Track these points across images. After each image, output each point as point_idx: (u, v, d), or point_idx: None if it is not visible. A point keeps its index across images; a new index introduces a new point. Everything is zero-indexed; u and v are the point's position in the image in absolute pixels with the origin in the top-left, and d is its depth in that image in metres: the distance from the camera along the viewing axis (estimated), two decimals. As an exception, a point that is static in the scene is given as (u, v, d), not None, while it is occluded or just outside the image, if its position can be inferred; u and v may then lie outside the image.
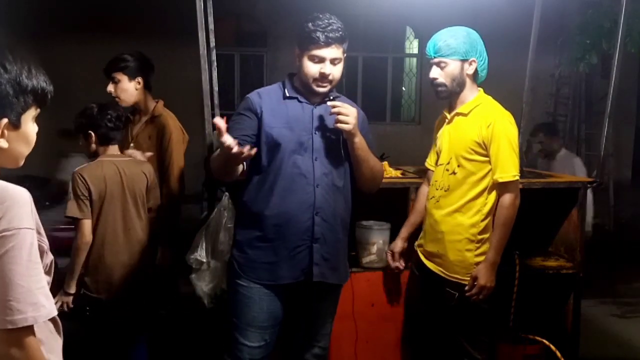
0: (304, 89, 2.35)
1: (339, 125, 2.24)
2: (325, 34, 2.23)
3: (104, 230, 2.71)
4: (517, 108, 3.30)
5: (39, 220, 1.30)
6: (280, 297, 2.34)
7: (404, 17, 8.73)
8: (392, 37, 9.58)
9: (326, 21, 2.25)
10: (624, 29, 3.19)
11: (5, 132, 1.27)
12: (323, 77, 2.28)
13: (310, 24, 2.25)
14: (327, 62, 2.27)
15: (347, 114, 2.23)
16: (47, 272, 1.32)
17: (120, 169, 2.74)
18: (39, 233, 1.28)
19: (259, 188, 2.31)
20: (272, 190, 2.28)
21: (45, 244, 1.31)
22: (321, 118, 2.34)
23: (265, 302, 2.32)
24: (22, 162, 1.36)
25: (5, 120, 1.26)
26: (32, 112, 1.33)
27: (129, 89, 2.99)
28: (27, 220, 1.22)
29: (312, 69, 2.28)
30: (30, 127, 1.33)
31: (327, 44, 2.24)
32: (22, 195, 1.25)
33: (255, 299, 2.32)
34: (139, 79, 3.00)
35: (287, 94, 2.35)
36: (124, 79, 2.98)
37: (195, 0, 2.79)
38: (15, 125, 1.28)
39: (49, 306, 1.23)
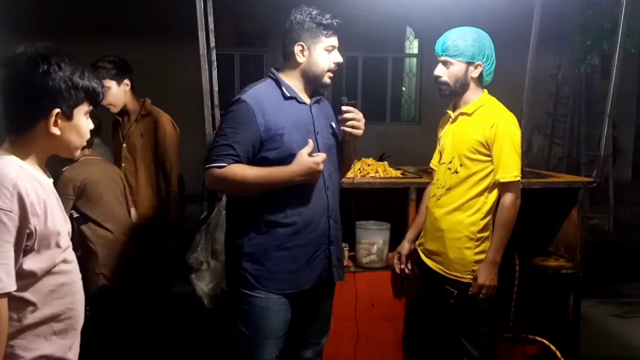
0: (304, 87, 2.28)
1: (352, 130, 2.23)
2: (335, 21, 2.22)
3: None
4: (517, 108, 3.30)
5: (40, 205, 1.41)
6: (295, 304, 2.28)
7: (404, 17, 8.73)
8: (392, 37, 9.58)
9: (319, 10, 2.23)
10: (624, 30, 3.19)
11: (59, 121, 1.46)
12: (335, 67, 2.26)
13: (316, 15, 2.21)
14: (336, 51, 2.25)
15: (360, 119, 2.23)
16: (26, 251, 1.40)
17: (104, 168, 2.89)
18: (33, 215, 1.39)
19: (272, 196, 2.17)
20: (288, 197, 2.18)
21: (38, 229, 1.40)
22: (318, 117, 2.30)
23: (282, 312, 2.25)
24: (75, 153, 1.56)
25: (57, 111, 1.44)
26: (85, 108, 1.51)
27: (119, 93, 2.99)
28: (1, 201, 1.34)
29: (327, 59, 2.23)
30: (82, 120, 1.51)
31: (337, 32, 2.24)
32: (3, 176, 1.36)
33: (274, 310, 2.22)
34: (127, 81, 3.01)
35: (288, 94, 2.23)
36: (112, 85, 2.97)
37: (195, 0, 2.79)
38: (67, 116, 1.47)
39: (7, 282, 1.35)
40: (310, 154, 2.12)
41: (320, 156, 2.11)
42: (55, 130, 1.45)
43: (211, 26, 2.97)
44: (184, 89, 5.14)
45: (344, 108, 2.22)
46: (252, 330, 2.25)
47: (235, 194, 2.22)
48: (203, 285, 2.70)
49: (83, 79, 1.48)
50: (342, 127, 2.25)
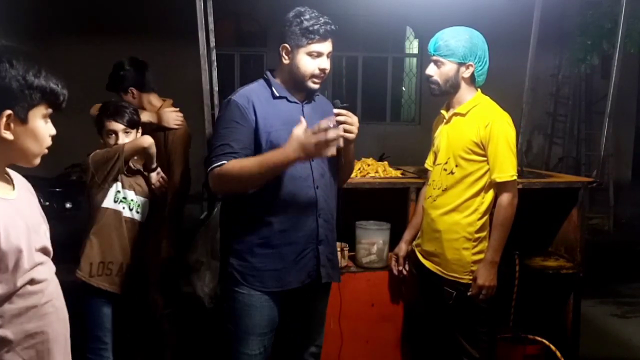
0: (294, 87, 2.28)
1: (344, 134, 2.18)
2: (324, 27, 2.20)
3: None
4: (517, 108, 3.30)
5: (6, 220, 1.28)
6: (281, 302, 2.29)
7: (404, 17, 8.73)
8: (392, 37, 9.58)
9: (315, 14, 2.22)
10: (624, 30, 3.19)
11: (12, 125, 1.31)
12: (321, 73, 2.25)
13: (304, 19, 2.20)
14: (324, 57, 2.24)
15: (353, 123, 2.20)
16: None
17: None
18: None
19: (260, 193, 2.18)
20: (275, 195, 2.19)
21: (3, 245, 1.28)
22: (311, 117, 2.27)
23: (266, 309, 2.26)
24: (35, 161, 1.40)
25: (8, 112, 1.29)
26: (42, 110, 1.36)
27: (130, 101, 3.04)
28: None
29: (310, 65, 2.22)
30: (39, 124, 1.36)
31: (325, 37, 2.21)
32: None
33: (256, 307, 2.24)
34: (131, 90, 3.07)
35: (277, 94, 2.25)
36: (122, 95, 3.07)
37: (195, 0, 2.79)
38: (21, 119, 1.32)
39: None
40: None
41: (305, 128, 2.01)
42: (7, 135, 1.30)
43: (211, 26, 2.96)
44: (184, 88, 5.13)
45: (335, 111, 2.19)
46: (236, 326, 2.28)
47: (241, 191, 2.19)
48: (203, 285, 2.70)
49: (39, 78, 1.32)
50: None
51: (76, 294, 2.55)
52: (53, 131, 1.41)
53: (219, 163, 2.14)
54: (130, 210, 2.65)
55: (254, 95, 2.22)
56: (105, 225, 2.61)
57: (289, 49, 2.23)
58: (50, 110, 1.38)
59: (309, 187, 2.25)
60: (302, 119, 2.08)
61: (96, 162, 2.59)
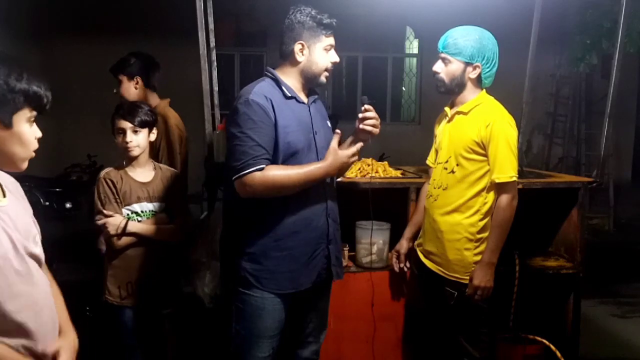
0: (302, 86, 2.30)
1: (372, 129, 2.26)
2: (334, 21, 2.24)
3: None
4: (517, 108, 3.30)
5: None
6: (291, 303, 2.29)
7: (404, 17, 8.73)
8: (392, 37, 9.57)
9: (316, 10, 2.25)
10: (624, 29, 3.19)
11: None
12: (332, 66, 2.28)
13: (315, 14, 2.22)
14: (333, 50, 2.28)
15: (378, 119, 2.27)
16: None
17: None
18: None
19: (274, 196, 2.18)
20: (287, 196, 2.18)
21: None
22: (316, 116, 2.31)
23: (277, 312, 2.26)
24: (21, 165, 1.39)
25: None
26: (26, 114, 1.35)
27: (129, 88, 3.08)
28: None
29: (325, 59, 2.25)
30: (24, 128, 1.36)
31: (334, 31, 2.26)
32: None
33: (269, 310, 2.24)
34: (137, 79, 3.08)
35: (289, 94, 2.24)
36: (124, 80, 3.09)
37: (195, 0, 2.79)
38: (6, 124, 1.32)
39: None
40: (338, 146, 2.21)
41: (352, 149, 2.22)
42: None
43: (211, 26, 2.96)
44: (184, 88, 5.13)
45: (365, 107, 2.24)
46: (246, 329, 2.26)
47: (274, 195, 2.16)
48: (203, 285, 2.70)
49: (21, 82, 1.32)
50: (360, 126, 2.27)
51: (103, 315, 2.66)
52: (39, 134, 1.40)
53: (259, 166, 2.09)
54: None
55: (269, 94, 2.20)
56: (123, 249, 2.62)
57: (305, 45, 2.23)
58: (34, 113, 1.37)
59: (319, 188, 2.26)
60: (338, 132, 2.19)
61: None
